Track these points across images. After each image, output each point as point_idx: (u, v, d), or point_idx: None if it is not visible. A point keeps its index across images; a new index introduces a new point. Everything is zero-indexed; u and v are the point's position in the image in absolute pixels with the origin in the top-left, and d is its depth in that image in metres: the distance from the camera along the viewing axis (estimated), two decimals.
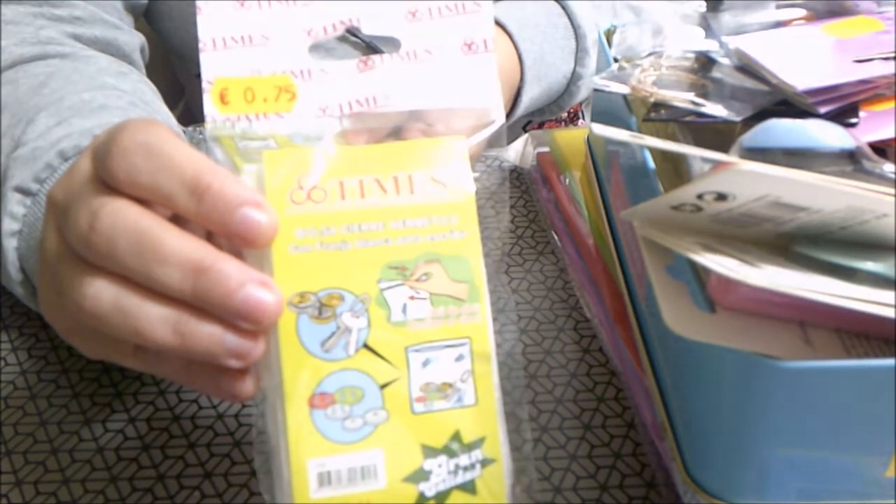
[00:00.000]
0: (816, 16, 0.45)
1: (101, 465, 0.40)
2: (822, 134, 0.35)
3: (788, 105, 0.38)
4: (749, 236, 0.33)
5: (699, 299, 0.33)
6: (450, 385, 0.32)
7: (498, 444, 0.33)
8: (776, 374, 0.30)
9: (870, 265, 0.31)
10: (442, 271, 0.33)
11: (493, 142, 0.38)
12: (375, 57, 0.35)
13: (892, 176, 0.34)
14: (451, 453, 0.32)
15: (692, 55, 0.43)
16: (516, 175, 0.61)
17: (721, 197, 0.31)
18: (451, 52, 0.36)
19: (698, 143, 0.40)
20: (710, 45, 0.43)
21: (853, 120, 0.37)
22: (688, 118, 0.39)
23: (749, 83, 0.40)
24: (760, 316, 0.32)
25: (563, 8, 0.69)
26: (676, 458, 0.36)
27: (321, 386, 0.31)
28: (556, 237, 0.54)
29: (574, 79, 0.70)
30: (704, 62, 0.43)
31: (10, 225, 0.42)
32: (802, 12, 0.46)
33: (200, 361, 0.32)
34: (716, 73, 0.42)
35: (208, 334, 0.31)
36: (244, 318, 0.30)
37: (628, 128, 0.42)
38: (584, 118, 0.88)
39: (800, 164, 0.34)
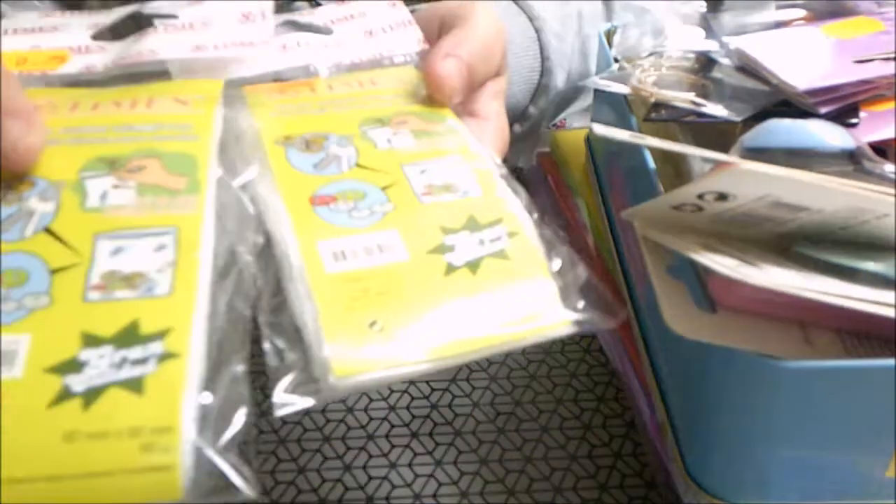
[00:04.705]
0: (816, 16, 0.45)
1: None
2: (822, 134, 0.35)
3: (789, 105, 0.38)
4: (750, 236, 0.33)
5: (699, 299, 0.33)
6: (141, 275, 0.30)
7: (188, 339, 0.28)
8: (776, 374, 0.30)
9: (870, 265, 0.31)
10: (158, 165, 0.32)
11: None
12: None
13: (893, 176, 0.34)
14: (120, 344, 0.28)
15: (692, 55, 0.43)
16: (516, 175, 0.61)
17: (722, 197, 0.31)
18: (227, 23, 0.40)
19: (698, 143, 0.40)
20: (711, 45, 0.43)
21: (853, 120, 0.37)
22: (688, 118, 0.39)
23: (749, 83, 0.40)
24: (761, 316, 0.32)
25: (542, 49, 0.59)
26: (676, 458, 0.36)
27: None
28: None
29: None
30: (705, 62, 0.43)
31: None
32: (802, 12, 0.46)
33: None
34: (716, 74, 0.42)
35: None
36: None
37: (628, 128, 0.42)
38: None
39: (800, 164, 0.34)
